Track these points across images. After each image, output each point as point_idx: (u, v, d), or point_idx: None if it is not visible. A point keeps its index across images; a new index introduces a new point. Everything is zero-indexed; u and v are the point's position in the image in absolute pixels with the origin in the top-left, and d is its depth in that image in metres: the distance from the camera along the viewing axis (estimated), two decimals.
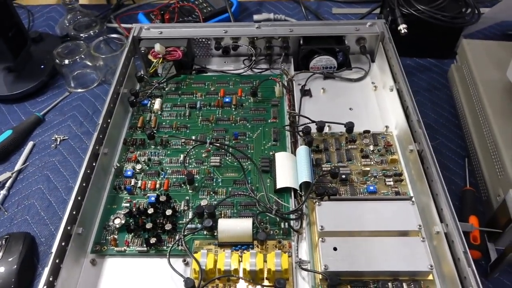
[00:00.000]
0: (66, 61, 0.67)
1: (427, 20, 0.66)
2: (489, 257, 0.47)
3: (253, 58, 0.64)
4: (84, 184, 0.46)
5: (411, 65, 0.73)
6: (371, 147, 0.52)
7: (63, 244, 0.41)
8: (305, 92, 0.61)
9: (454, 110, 0.65)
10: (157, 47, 0.60)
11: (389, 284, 0.40)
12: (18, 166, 0.59)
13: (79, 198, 0.44)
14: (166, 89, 0.61)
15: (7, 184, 0.57)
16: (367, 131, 0.54)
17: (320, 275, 0.41)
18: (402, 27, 0.66)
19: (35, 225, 0.53)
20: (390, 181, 0.49)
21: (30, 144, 0.62)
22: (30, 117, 0.65)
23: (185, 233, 0.44)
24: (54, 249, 0.40)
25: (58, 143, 0.63)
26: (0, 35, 0.65)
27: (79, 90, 0.71)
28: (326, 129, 0.55)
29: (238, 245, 0.44)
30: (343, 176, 0.49)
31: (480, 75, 0.60)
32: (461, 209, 0.52)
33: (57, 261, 0.40)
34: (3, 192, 0.56)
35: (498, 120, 0.53)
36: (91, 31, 0.74)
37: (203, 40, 0.65)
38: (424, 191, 0.45)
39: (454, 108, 0.66)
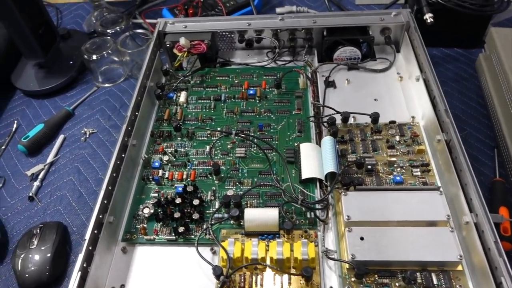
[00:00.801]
0: (94, 57, 0.69)
1: (454, 9, 0.65)
2: None
3: (277, 50, 0.64)
4: (114, 175, 0.47)
5: (437, 55, 0.72)
6: (397, 138, 0.52)
7: (95, 232, 0.42)
8: (329, 83, 0.60)
9: (483, 100, 0.64)
10: (182, 40, 0.61)
11: (417, 274, 0.40)
12: (50, 159, 0.61)
13: (109, 188, 0.46)
14: (191, 82, 0.62)
15: (40, 176, 0.59)
16: (393, 122, 0.54)
17: (347, 264, 0.41)
18: (428, 16, 0.65)
19: (67, 215, 0.55)
20: (417, 172, 0.48)
21: (61, 137, 0.64)
22: (61, 111, 0.67)
23: (212, 223, 0.45)
24: (87, 236, 0.41)
25: (87, 136, 0.64)
26: (32, 32, 0.67)
27: (107, 84, 0.72)
28: (351, 120, 0.54)
29: (265, 235, 0.44)
30: (369, 167, 0.49)
31: (510, 64, 0.58)
32: (491, 200, 0.52)
33: (90, 248, 0.41)
34: (37, 183, 0.58)
35: None
36: (117, 27, 0.75)
37: (227, 33, 0.66)
38: (452, 181, 0.44)
39: (482, 98, 0.64)
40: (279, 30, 0.64)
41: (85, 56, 0.69)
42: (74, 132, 0.66)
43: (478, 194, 0.41)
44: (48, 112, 0.69)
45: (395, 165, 0.49)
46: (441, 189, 0.45)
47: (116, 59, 0.72)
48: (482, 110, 0.63)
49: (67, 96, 0.72)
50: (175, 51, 0.63)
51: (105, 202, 0.44)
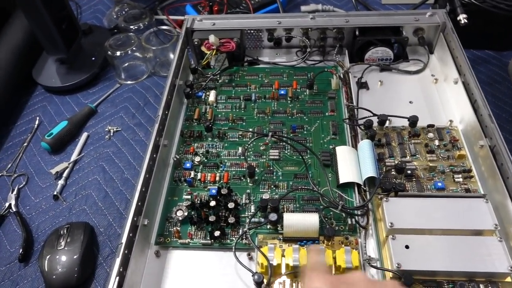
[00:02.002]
0: (118, 53, 0.68)
1: (489, 10, 0.63)
2: None
3: (308, 49, 0.62)
4: (147, 176, 0.45)
5: (469, 57, 0.69)
6: (436, 142, 0.50)
7: (131, 235, 0.41)
8: (362, 85, 0.59)
9: None
10: (212, 38, 0.59)
11: (466, 285, 0.39)
12: (74, 157, 0.60)
13: (143, 189, 0.44)
14: (220, 81, 0.61)
15: (65, 174, 0.58)
16: (431, 125, 0.52)
17: (391, 273, 0.39)
18: (462, 17, 0.63)
19: (93, 215, 0.54)
20: (459, 178, 0.47)
21: (84, 135, 0.63)
22: (84, 108, 0.66)
23: (250, 227, 0.44)
24: (123, 240, 0.40)
25: (111, 134, 0.63)
26: (55, 26, 0.66)
27: (129, 81, 0.71)
28: (386, 123, 0.53)
29: (304, 241, 0.43)
30: (409, 172, 0.47)
31: None
32: None
33: (126, 251, 0.40)
34: (61, 182, 0.57)
35: None
36: (141, 23, 0.74)
37: (255, 31, 0.64)
38: (498, 189, 0.43)
39: None
40: (310, 29, 0.63)
41: (109, 52, 0.68)
42: (97, 130, 0.64)
43: None
44: (70, 109, 0.67)
45: (436, 171, 0.48)
46: (486, 197, 0.44)
47: (139, 55, 0.71)
48: None
49: (89, 92, 0.70)
50: (203, 49, 0.61)
51: (139, 204, 0.43)
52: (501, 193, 0.42)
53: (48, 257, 0.47)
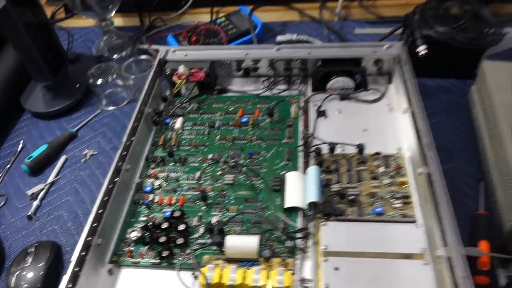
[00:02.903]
0: (99, 82, 0.73)
1: (448, 42, 0.66)
2: (497, 284, 0.46)
3: (271, 79, 0.66)
4: (105, 198, 0.49)
5: (432, 85, 0.73)
6: (382, 169, 0.53)
7: (83, 254, 0.44)
8: (321, 113, 0.62)
9: (474, 133, 0.65)
10: (181, 68, 0.64)
11: None
12: (50, 179, 0.64)
13: (100, 211, 0.48)
14: (188, 108, 0.65)
15: (40, 195, 0.62)
16: (378, 153, 0.55)
17: None
18: (421, 49, 0.67)
19: (63, 234, 0.58)
20: (397, 203, 0.49)
21: (63, 158, 0.67)
22: (64, 133, 0.71)
23: (196, 248, 0.47)
24: (74, 258, 0.43)
25: (88, 158, 0.67)
26: (41, 56, 0.71)
27: (110, 107, 0.75)
28: (338, 150, 0.56)
29: (245, 261, 0.45)
30: (351, 197, 0.50)
31: (499, 97, 0.59)
32: (472, 234, 0.52)
33: (76, 269, 0.43)
34: (36, 202, 0.61)
35: None
36: (123, 52, 0.79)
37: (225, 62, 0.68)
38: (430, 215, 0.45)
39: (473, 130, 0.65)
40: (275, 60, 0.67)
41: (91, 81, 0.73)
42: (75, 154, 0.69)
43: (453, 228, 0.42)
44: (53, 133, 0.72)
45: (377, 196, 0.50)
46: (418, 222, 0.46)
47: (120, 83, 0.76)
48: (473, 143, 0.63)
49: (72, 118, 0.75)
50: (174, 78, 0.66)
51: (95, 225, 0.47)
52: (432, 218, 0.45)
53: (15, 273, 0.51)
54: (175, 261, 0.47)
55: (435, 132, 0.64)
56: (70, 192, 0.63)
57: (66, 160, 0.68)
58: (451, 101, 0.70)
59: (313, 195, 0.48)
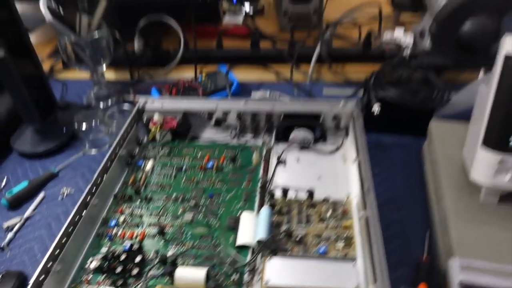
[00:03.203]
0: (83, 126, 0.79)
1: (399, 103, 0.74)
2: None
3: (237, 129, 0.72)
4: (70, 229, 0.53)
5: (389, 141, 0.79)
6: (329, 213, 0.58)
7: (40, 278, 0.48)
8: (280, 161, 0.68)
9: (424, 186, 0.70)
10: (156, 116, 0.71)
11: None
12: (27, 213, 0.68)
13: (63, 240, 0.52)
14: (160, 152, 0.70)
15: (15, 228, 0.66)
16: (327, 198, 0.60)
17: None
18: (375, 108, 0.74)
19: (31, 266, 0.61)
20: (340, 244, 0.53)
21: (41, 195, 0.72)
22: (46, 172, 0.76)
23: (148, 279, 0.50)
24: (31, 281, 0.47)
25: (65, 196, 0.72)
26: (33, 102, 0.78)
27: (92, 151, 0.81)
28: (292, 195, 0.61)
29: None
30: (298, 237, 0.54)
31: (442, 153, 0.65)
32: (414, 277, 0.55)
33: None
34: (10, 234, 0.65)
35: (451, 195, 0.58)
36: (109, 101, 0.86)
37: (197, 112, 0.75)
38: (366, 254, 0.49)
39: (424, 183, 0.70)
40: (242, 112, 0.73)
41: (76, 125, 0.79)
42: (54, 191, 0.73)
43: (383, 266, 0.46)
44: (36, 172, 0.77)
45: (322, 237, 0.55)
46: (357, 261, 0.50)
47: (103, 129, 0.82)
48: (422, 195, 0.68)
49: (55, 159, 0.80)
50: (150, 125, 0.72)
51: (57, 252, 0.51)
52: (367, 258, 0.49)
53: None
54: None
55: (389, 184, 0.70)
56: (43, 227, 0.67)
57: (44, 197, 0.72)
58: (406, 156, 0.76)
59: (261, 233, 0.53)
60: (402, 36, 1.05)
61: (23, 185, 0.72)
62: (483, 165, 0.53)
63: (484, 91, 0.54)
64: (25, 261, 0.62)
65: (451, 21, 0.83)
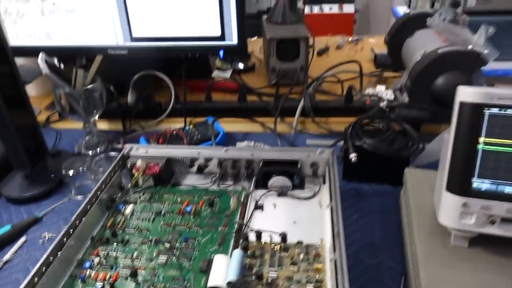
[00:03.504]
0: (71, 172, 0.81)
1: (374, 152, 0.76)
2: None
3: (217, 175, 0.75)
4: (43, 269, 0.54)
5: (368, 190, 0.81)
6: (301, 256, 0.58)
7: None
8: (258, 207, 0.69)
9: (400, 232, 0.70)
10: (139, 162, 0.73)
11: None
12: (6, 257, 0.69)
13: (35, 279, 0.52)
14: (142, 197, 0.72)
15: None
16: (300, 242, 0.61)
17: None
18: (352, 157, 0.76)
19: None
20: (310, 286, 0.54)
21: (22, 239, 0.73)
22: (30, 216, 0.77)
23: None
24: None
25: (46, 240, 0.73)
26: (24, 149, 0.81)
27: (78, 197, 0.83)
28: (267, 239, 0.62)
29: None
30: (269, 280, 0.55)
31: (415, 199, 0.66)
32: None
33: None
34: None
35: (422, 239, 0.59)
36: (98, 149, 0.89)
37: (180, 159, 0.78)
38: None
39: (401, 230, 0.71)
40: (223, 160, 0.76)
41: (63, 172, 0.81)
42: (36, 235, 0.74)
43: None
44: (21, 216, 0.79)
45: (293, 280, 0.55)
46: None
47: (89, 176, 0.84)
48: (399, 241, 0.69)
49: (41, 204, 0.82)
50: (134, 171, 0.74)
51: None
52: None
53: None
54: None
55: (367, 230, 0.71)
56: (21, 270, 0.67)
57: (25, 241, 0.73)
58: (384, 204, 0.77)
59: (232, 275, 0.53)
60: (383, 91, 1.11)
61: (5, 228, 0.73)
62: (448, 209, 0.55)
63: (447, 138, 0.56)
64: None
65: (424, 76, 0.89)
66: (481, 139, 0.52)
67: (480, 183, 0.53)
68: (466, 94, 0.52)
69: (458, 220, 0.54)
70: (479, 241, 0.57)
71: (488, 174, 0.52)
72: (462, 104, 0.52)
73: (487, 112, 0.51)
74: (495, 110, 0.51)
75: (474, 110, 0.52)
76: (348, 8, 2.88)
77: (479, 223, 0.54)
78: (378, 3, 3.30)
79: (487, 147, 0.52)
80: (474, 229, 0.54)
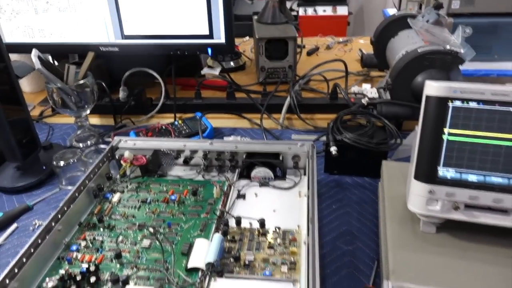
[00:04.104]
0: (61, 164, 0.84)
1: (353, 145, 0.79)
2: None
3: (202, 166, 0.78)
4: (31, 251, 0.57)
5: (349, 182, 0.84)
6: (279, 240, 0.61)
7: None
8: (240, 196, 0.72)
9: (377, 221, 0.74)
10: (126, 153, 0.76)
11: None
12: None
13: (24, 259, 0.55)
14: (129, 187, 0.75)
15: None
16: (278, 227, 0.64)
17: None
18: (333, 150, 0.79)
19: None
20: (284, 268, 0.57)
21: (13, 226, 0.75)
22: (21, 205, 0.80)
23: None
24: None
25: (36, 227, 0.75)
26: (16, 142, 0.84)
27: (69, 187, 0.86)
28: (247, 225, 0.65)
29: None
30: (247, 262, 0.58)
31: (390, 189, 0.70)
32: None
33: None
34: None
35: (393, 225, 0.62)
36: (88, 142, 0.92)
37: (167, 151, 0.81)
38: (303, 275, 0.53)
39: (377, 219, 0.74)
40: (208, 152, 0.79)
41: (54, 163, 0.84)
42: (27, 223, 0.77)
43: (317, 285, 0.49)
44: (12, 205, 0.81)
45: (269, 262, 0.58)
46: (295, 282, 0.53)
47: (81, 168, 0.87)
48: (375, 229, 0.72)
49: (32, 194, 0.85)
50: (122, 161, 0.77)
51: (16, 270, 0.54)
52: (304, 278, 0.52)
53: None
54: None
55: (345, 219, 0.74)
56: (11, 255, 0.69)
57: (16, 228, 0.76)
58: (363, 195, 0.80)
59: (211, 257, 0.56)
60: (368, 90, 1.14)
61: None
62: (416, 196, 0.58)
63: (417, 131, 0.60)
64: None
65: (405, 74, 0.92)
66: (446, 130, 0.55)
67: (445, 172, 0.56)
68: (431, 88, 0.55)
69: (425, 206, 0.58)
70: (446, 227, 0.60)
71: (452, 163, 0.55)
72: (428, 98, 0.55)
73: (451, 105, 0.54)
74: (458, 103, 0.54)
75: (439, 103, 0.55)
76: (342, 11, 2.92)
77: (444, 209, 0.57)
78: (371, 5, 3.35)
79: (451, 137, 0.55)
80: (440, 214, 0.57)
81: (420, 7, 1.70)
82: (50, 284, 0.55)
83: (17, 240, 0.73)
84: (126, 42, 1.03)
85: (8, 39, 1.05)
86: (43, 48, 0.95)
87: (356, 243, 0.69)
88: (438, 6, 1.08)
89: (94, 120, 1.11)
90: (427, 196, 0.57)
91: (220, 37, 1.00)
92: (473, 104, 0.54)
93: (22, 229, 0.76)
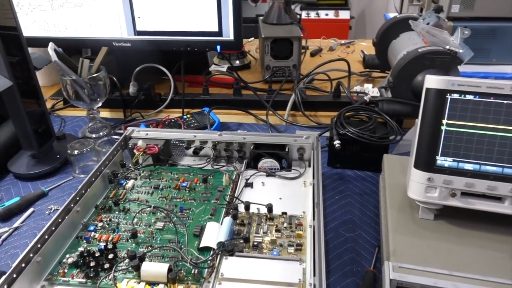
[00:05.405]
0: (75, 152, 0.88)
1: (356, 139, 0.83)
2: None
3: (211, 156, 0.81)
4: (53, 228, 0.60)
5: (351, 175, 0.88)
6: (285, 224, 0.65)
7: (23, 265, 0.54)
8: (248, 184, 0.76)
9: (378, 211, 0.77)
10: (139, 142, 0.80)
11: None
12: (16, 224, 0.75)
13: (45, 236, 0.59)
14: (142, 174, 0.79)
15: (3, 236, 0.72)
16: (285, 213, 0.67)
17: None
18: (336, 143, 0.83)
19: None
20: (291, 249, 0.60)
21: (30, 210, 0.79)
22: (37, 190, 0.83)
23: (117, 272, 0.57)
24: (12, 266, 0.53)
25: (52, 211, 0.79)
26: (33, 131, 0.87)
27: (82, 176, 0.89)
28: (255, 210, 0.68)
29: (157, 283, 0.55)
30: (255, 243, 0.61)
31: (391, 180, 0.73)
32: (360, 284, 0.62)
33: (14, 276, 0.52)
34: None
35: (393, 213, 0.66)
36: (101, 133, 0.96)
37: (177, 142, 0.84)
38: (309, 256, 0.56)
39: (378, 209, 0.78)
40: (217, 143, 0.83)
41: (69, 151, 0.88)
42: (42, 208, 0.80)
43: (322, 264, 0.53)
44: (28, 191, 0.85)
45: (277, 244, 0.62)
46: (302, 261, 0.57)
47: (94, 158, 0.91)
48: (375, 218, 0.76)
49: (47, 181, 0.88)
50: (135, 150, 0.81)
51: (39, 245, 0.57)
52: (310, 258, 0.56)
53: None
54: (99, 281, 0.56)
55: (347, 208, 0.78)
56: (29, 236, 0.73)
57: (33, 212, 0.79)
58: (364, 187, 0.84)
59: (222, 237, 0.60)
60: (370, 89, 1.18)
61: (14, 200, 0.79)
62: (416, 184, 0.62)
63: (417, 122, 0.63)
64: (9, 263, 0.67)
65: (405, 73, 0.96)
66: (444, 121, 0.59)
67: (443, 161, 0.60)
68: (431, 81, 0.59)
69: (423, 193, 0.61)
70: (443, 215, 0.64)
71: (450, 152, 0.59)
72: (428, 90, 0.59)
73: (449, 97, 0.58)
74: (456, 96, 0.58)
75: (438, 95, 0.59)
76: (344, 15, 2.97)
77: (441, 196, 0.60)
78: (373, 10, 3.40)
79: (449, 128, 0.59)
80: (438, 201, 0.61)
81: (421, 11, 1.75)
82: (70, 259, 0.59)
83: (33, 223, 0.76)
84: (138, 38, 1.07)
85: (24, 33, 1.08)
86: (58, 42, 0.98)
87: (357, 231, 0.73)
88: (439, 10, 1.13)
89: (105, 114, 1.14)
90: (426, 183, 0.60)
91: (228, 35, 1.04)
92: (470, 97, 0.57)
93: (38, 213, 0.79)
